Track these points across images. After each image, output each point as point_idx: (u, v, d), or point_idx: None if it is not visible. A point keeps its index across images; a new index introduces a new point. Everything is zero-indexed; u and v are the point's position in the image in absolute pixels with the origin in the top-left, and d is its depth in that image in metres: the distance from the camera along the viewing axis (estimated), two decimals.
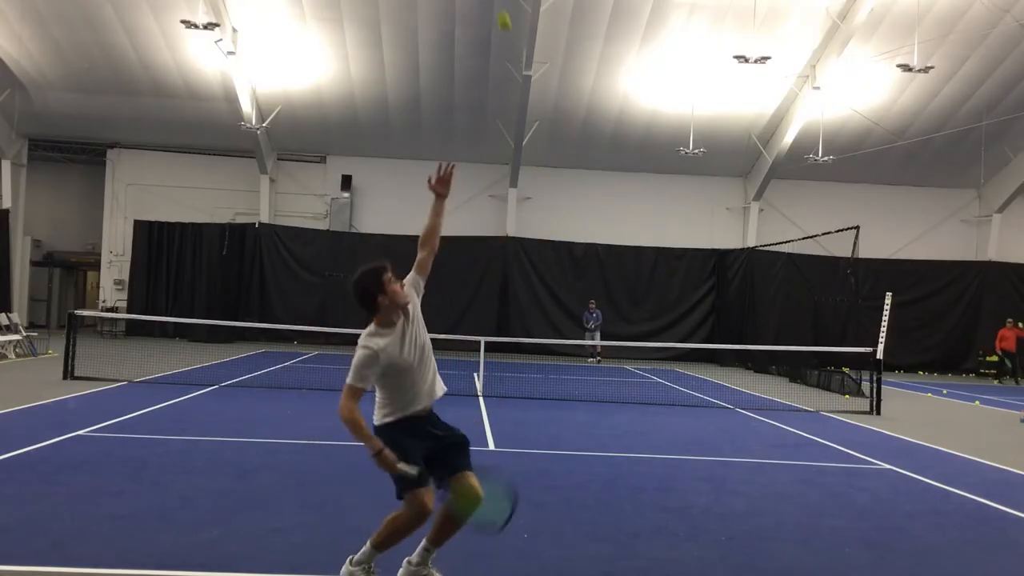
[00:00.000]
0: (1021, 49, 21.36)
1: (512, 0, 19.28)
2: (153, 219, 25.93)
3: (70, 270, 30.30)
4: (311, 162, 27.01)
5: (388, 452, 4.17)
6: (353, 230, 26.10)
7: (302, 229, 26.04)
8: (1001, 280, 26.35)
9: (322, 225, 26.32)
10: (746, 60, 19.06)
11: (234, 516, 5.98)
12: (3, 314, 18.76)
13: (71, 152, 26.86)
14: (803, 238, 22.59)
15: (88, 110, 24.63)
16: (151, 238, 25.78)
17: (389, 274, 4.36)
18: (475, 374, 16.31)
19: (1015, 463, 9.65)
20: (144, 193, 26.47)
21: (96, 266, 27.73)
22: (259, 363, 18.53)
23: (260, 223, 25.76)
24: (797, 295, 22.47)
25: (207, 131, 25.18)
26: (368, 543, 4.47)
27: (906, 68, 19.24)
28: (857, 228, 17.80)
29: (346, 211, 26.19)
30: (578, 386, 16.42)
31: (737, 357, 24.14)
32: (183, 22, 18.89)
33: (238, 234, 25.62)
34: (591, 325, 24.50)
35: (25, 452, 7.83)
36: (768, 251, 24.33)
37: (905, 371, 25.05)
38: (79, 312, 16.59)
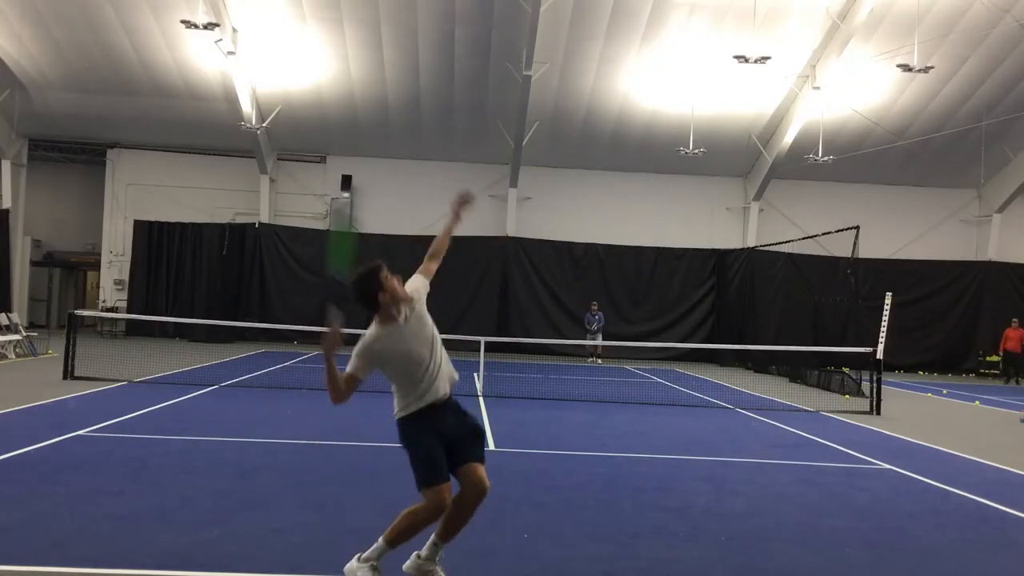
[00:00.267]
0: (1021, 49, 21.35)
1: (512, 0, 19.31)
2: (153, 219, 25.93)
3: (70, 270, 30.29)
4: (311, 162, 27.00)
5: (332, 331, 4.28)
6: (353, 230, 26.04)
7: (302, 229, 26.03)
8: (1001, 280, 26.35)
9: (322, 225, 26.30)
10: (746, 60, 19.04)
11: (234, 516, 5.98)
12: (3, 314, 18.74)
13: (71, 152, 26.84)
14: (803, 238, 22.60)
15: (88, 110, 24.63)
16: (151, 238, 25.79)
17: (386, 271, 4.46)
18: (475, 374, 16.30)
19: (1015, 463, 9.65)
20: (144, 193, 26.46)
21: (96, 266, 27.72)
22: (259, 363, 18.53)
23: (260, 223, 25.77)
24: (797, 295, 22.46)
25: (207, 131, 25.17)
26: (381, 539, 4.50)
27: (906, 68, 19.22)
28: (857, 228, 17.81)
29: (346, 211, 26.16)
30: (578, 386, 16.41)
31: (737, 357, 24.13)
32: (183, 22, 18.88)
33: (238, 234, 25.63)
34: (593, 327, 24.43)
35: (25, 452, 7.82)
36: (768, 251, 24.34)
37: (905, 371, 25.04)
38: (79, 312, 16.61)
